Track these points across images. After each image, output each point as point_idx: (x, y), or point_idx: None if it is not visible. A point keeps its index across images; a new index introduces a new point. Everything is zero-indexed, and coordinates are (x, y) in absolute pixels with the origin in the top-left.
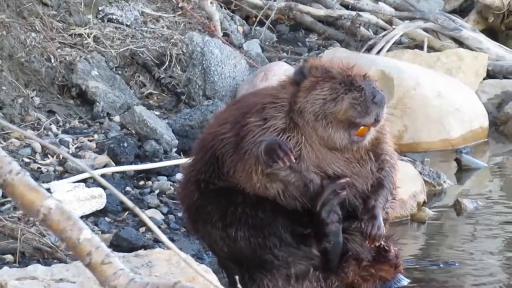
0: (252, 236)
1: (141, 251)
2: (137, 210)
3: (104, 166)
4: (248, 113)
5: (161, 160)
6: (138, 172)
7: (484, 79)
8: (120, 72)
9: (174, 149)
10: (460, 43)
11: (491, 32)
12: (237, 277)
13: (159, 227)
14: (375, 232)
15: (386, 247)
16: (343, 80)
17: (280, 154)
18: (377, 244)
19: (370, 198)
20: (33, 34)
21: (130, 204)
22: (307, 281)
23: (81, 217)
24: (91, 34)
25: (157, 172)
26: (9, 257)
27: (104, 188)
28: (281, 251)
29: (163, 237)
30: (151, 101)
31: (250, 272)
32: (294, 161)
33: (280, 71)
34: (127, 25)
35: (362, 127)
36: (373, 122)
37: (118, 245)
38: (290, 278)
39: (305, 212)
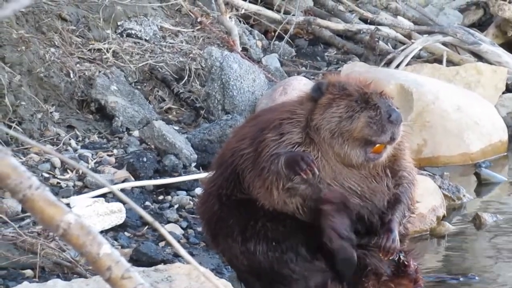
0: (270, 250)
1: (160, 266)
2: (156, 224)
3: (124, 181)
4: (266, 129)
5: (180, 175)
6: (157, 186)
7: (503, 93)
8: (139, 87)
9: (193, 164)
10: (479, 57)
11: (510, 46)
12: None
13: (179, 242)
14: (389, 245)
15: (406, 262)
16: (359, 97)
17: (303, 166)
18: (391, 257)
19: (387, 213)
20: (52, 49)
21: (149, 218)
22: None
23: (101, 232)
24: (110, 49)
25: (177, 187)
26: (29, 272)
27: (123, 203)
28: (297, 265)
29: (183, 251)
30: (170, 116)
31: (270, 285)
32: (317, 172)
33: (299, 86)
34: (146, 40)
35: (378, 145)
36: (388, 140)
37: (138, 259)
38: None
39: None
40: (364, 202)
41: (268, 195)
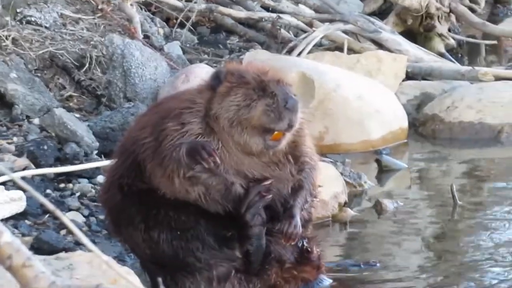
0: (174, 239)
1: (62, 254)
2: (57, 212)
3: (24, 169)
4: (167, 117)
5: (81, 163)
6: (59, 174)
7: (403, 80)
8: (39, 74)
9: (95, 152)
10: (379, 45)
11: (410, 34)
12: (159, 279)
13: (81, 230)
14: (292, 231)
15: (309, 249)
16: (256, 85)
17: (204, 155)
18: (293, 243)
19: (289, 200)
20: None
21: (50, 206)
22: (229, 283)
23: (1, 220)
24: (9, 36)
25: (78, 175)
26: None
27: (23, 190)
28: (204, 253)
29: (85, 239)
30: (71, 104)
31: (172, 274)
32: (218, 162)
33: (202, 73)
34: (46, 27)
35: (276, 132)
36: (286, 127)
37: (39, 248)
38: (212, 280)
39: (227, 215)
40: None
41: (169, 184)
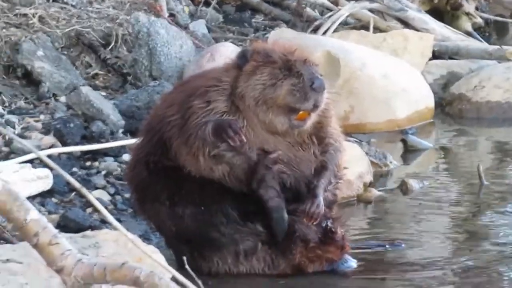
0: (198, 214)
1: (88, 232)
2: (84, 191)
3: (50, 147)
4: (193, 95)
5: (107, 141)
6: (85, 153)
7: (429, 59)
8: (65, 52)
9: (121, 130)
10: (406, 23)
11: (437, 13)
12: (184, 258)
13: (106, 208)
14: (314, 210)
15: (333, 229)
16: (283, 65)
17: (230, 133)
18: (315, 222)
19: (313, 180)
20: None
21: (77, 184)
22: (256, 257)
23: (28, 198)
24: (36, 14)
25: (104, 153)
26: None
27: (50, 169)
28: (228, 228)
29: (110, 218)
30: (97, 82)
31: (199, 250)
32: (244, 140)
33: (227, 52)
34: (72, 5)
35: (301, 112)
36: (312, 108)
37: (65, 226)
38: (239, 254)
39: (249, 192)
40: (292, 170)
41: (194, 162)
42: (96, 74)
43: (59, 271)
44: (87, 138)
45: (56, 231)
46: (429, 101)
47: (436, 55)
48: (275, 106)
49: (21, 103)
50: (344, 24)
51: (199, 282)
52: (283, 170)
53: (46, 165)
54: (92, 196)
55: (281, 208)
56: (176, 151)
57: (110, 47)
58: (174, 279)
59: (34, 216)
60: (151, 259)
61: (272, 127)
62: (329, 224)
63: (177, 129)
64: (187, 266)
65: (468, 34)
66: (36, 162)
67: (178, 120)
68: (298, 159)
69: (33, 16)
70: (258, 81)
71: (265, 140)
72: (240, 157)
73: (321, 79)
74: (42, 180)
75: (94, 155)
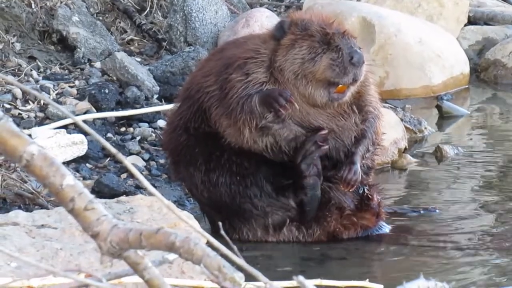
0: (233, 184)
1: (122, 197)
2: (120, 156)
3: (85, 113)
4: (230, 66)
5: (142, 107)
6: (119, 118)
7: (465, 25)
8: (101, 18)
9: (156, 96)
10: None
11: None
12: (220, 224)
13: (141, 174)
14: (351, 177)
15: (370, 196)
16: (321, 39)
17: (282, 101)
18: (352, 189)
19: (351, 148)
20: None
21: (113, 150)
22: (284, 231)
23: (63, 163)
24: None
25: (139, 119)
26: None
27: (85, 134)
28: (261, 201)
29: (146, 183)
30: (132, 47)
31: (230, 219)
32: (297, 106)
33: (262, 18)
34: None
35: (340, 85)
36: (351, 81)
37: (100, 191)
38: (268, 228)
39: (286, 164)
40: (334, 140)
41: (238, 134)
42: (131, 39)
43: (94, 236)
44: (121, 104)
45: (92, 196)
46: (465, 67)
47: (471, 21)
48: (314, 80)
49: (56, 68)
50: None
51: (234, 247)
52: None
53: (81, 131)
54: (128, 161)
55: (317, 186)
56: (215, 120)
57: (145, 12)
58: (209, 244)
59: (70, 181)
60: (185, 224)
61: (312, 100)
62: (365, 190)
63: (215, 100)
64: (222, 232)
65: None
66: (70, 128)
67: (216, 91)
68: (340, 128)
69: None
70: (297, 55)
71: (305, 111)
72: (286, 129)
73: (360, 53)
74: (77, 145)
75: (129, 121)
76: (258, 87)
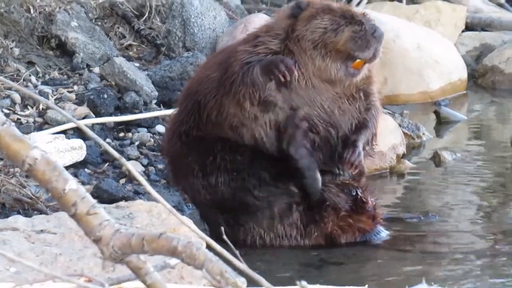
0: (232, 180)
1: (122, 203)
2: (122, 160)
3: (84, 118)
4: (234, 55)
5: (141, 112)
6: (118, 123)
7: (462, 31)
8: (99, 23)
9: (154, 101)
10: None
11: None
12: (222, 228)
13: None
14: (355, 158)
15: (364, 199)
16: (343, 13)
17: (282, 67)
18: (355, 172)
19: (351, 136)
20: None
21: (116, 154)
22: (290, 222)
23: None
24: None
25: (137, 124)
26: None
27: (84, 139)
28: (261, 191)
29: (149, 187)
30: (130, 53)
31: (234, 216)
32: (297, 74)
33: (260, 23)
34: None
35: (358, 60)
36: (371, 56)
37: (99, 196)
38: (274, 218)
39: (280, 152)
40: (332, 122)
41: (238, 110)
42: (130, 45)
43: (97, 241)
44: (120, 109)
45: (94, 201)
46: (462, 73)
47: (469, 27)
48: (334, 51)
49: (55, 73)
50: None
51: (237, 252)
52: (324, 118)
53: (79, 136)
54: (131, 166)
55: (313, 166)
56: (213, 108)
57: (143, 18)
58: (208, 249)
59: (72, 186)
60: (188, 228)
61: (326, 73)
62: (359, 193)
63: (215, 86)
64: (224, 237)
65: (501, 5)
66: (69, 133)
67: (217, 75)
68: (342, 111)
69: None
70: (319, 24)
71: (313, 87)
72: (287, 105)
73: (381, 29)
74: (76, 150)
75: (128, 126)
76: (263, 56)
